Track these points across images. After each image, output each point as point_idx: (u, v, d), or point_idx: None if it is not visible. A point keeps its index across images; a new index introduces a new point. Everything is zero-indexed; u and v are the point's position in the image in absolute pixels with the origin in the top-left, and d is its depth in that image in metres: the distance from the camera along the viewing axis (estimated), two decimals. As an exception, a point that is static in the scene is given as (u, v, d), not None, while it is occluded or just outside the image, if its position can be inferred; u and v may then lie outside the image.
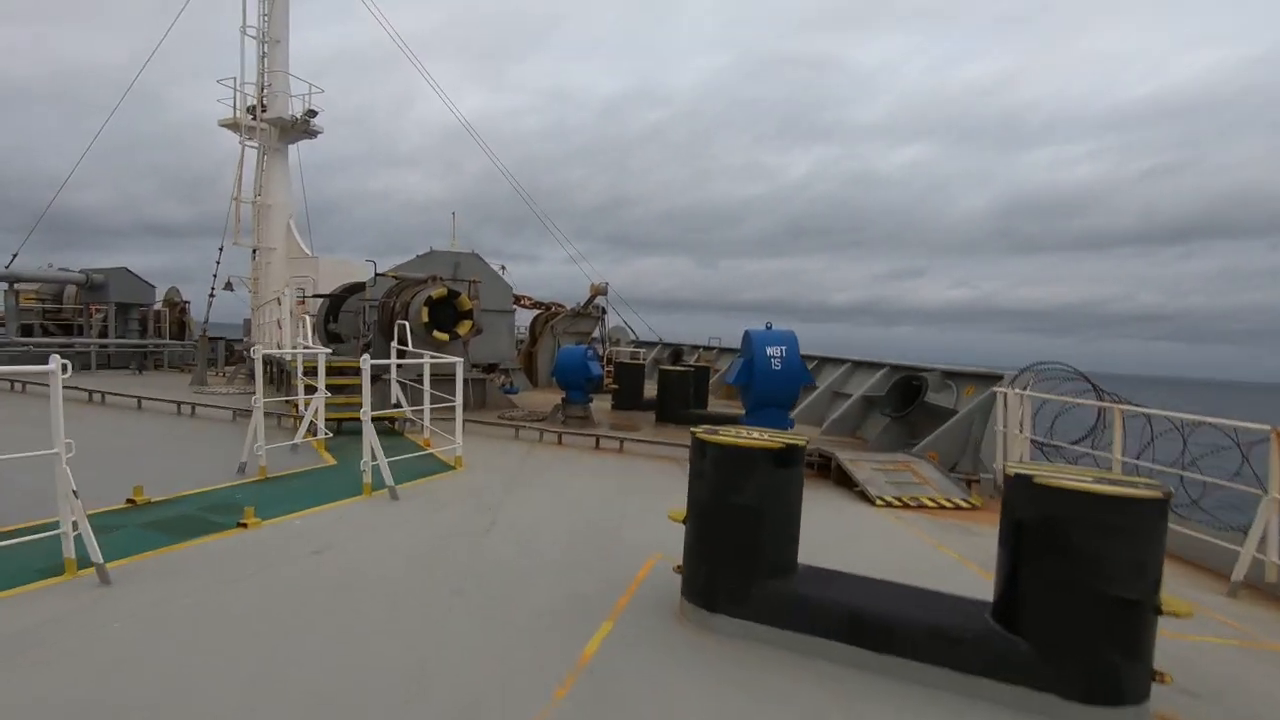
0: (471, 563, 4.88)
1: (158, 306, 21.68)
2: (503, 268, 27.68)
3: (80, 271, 19.58)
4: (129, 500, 5.90)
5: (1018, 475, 3.36)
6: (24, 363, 15.75)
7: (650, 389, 15.55)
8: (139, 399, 11.47)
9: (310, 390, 9.85)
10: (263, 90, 20.87)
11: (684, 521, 4.17)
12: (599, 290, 19.60)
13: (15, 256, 20.15)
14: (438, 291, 12.88)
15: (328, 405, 10.33)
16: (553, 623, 3.99)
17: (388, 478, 6.53)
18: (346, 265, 21.07)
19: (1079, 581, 3.15)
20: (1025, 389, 8.33)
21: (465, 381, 13.80)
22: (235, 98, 20.70)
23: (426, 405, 9.22)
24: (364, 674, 3.28)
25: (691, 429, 4.28)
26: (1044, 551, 3.25)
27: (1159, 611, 3.13)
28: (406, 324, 10.38)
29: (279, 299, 13.62)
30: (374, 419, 9.26)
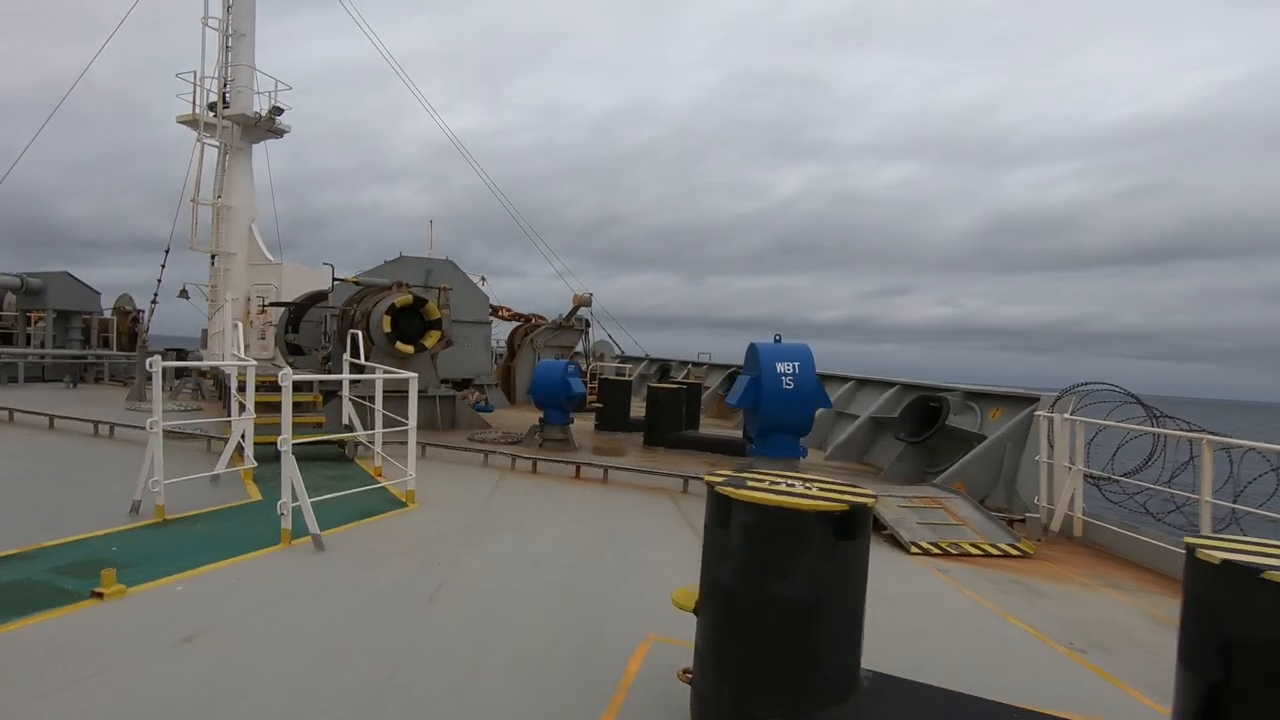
0: (402, 651, 3.59)
1: (107, 314, 20.14)
2: (482, 279, 26.51)
3: (15, 276, 18.01)
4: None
5: (1230, 565, 2.15)
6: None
7: (637, 408, 14.30)
8: (51, 418, 10.01)
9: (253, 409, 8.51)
10: (225, 85, 19.55)
11: (694, 611, 2.93)
12: (582, 301, 18.38)
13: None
14: (402, 299, 11.58)
15: (268, 429, 8.98)
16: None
17: (311, 523, 5.21)
18: (313, 273, 19.68)
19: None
20: (1070, 413, 7.20)
21: (433, 399, 12.49)
22: (195, 92, 19.36)
23: (379, 429, 7.92)
24: None
25: (707, 478, 3.05)
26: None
27: None
28: (359, 334, 9.04)
29: (224, 307, 12.22)
30: (323, 444, 7.94)
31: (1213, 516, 5.57)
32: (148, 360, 6.15)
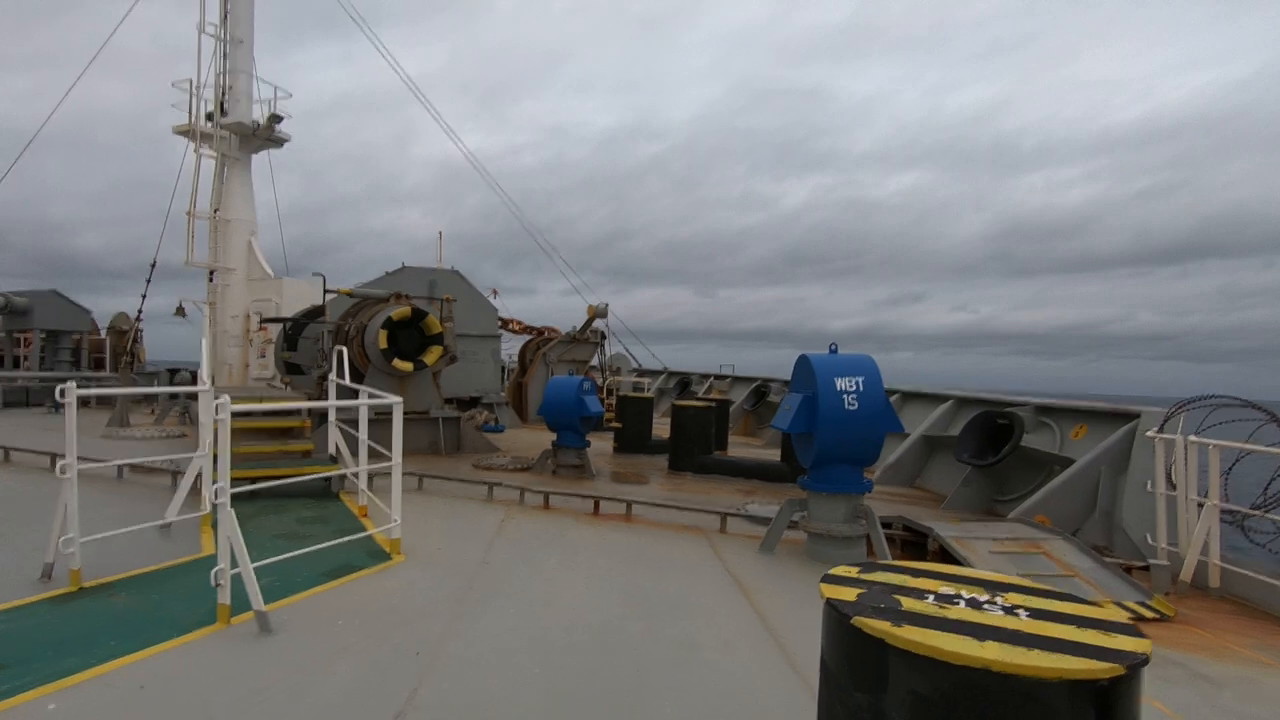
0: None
1: (103, 334, 19.29)
2: (494, 292, 25.50)
3: (0, 295, 17.19)
4: None
5: None
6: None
7: (660, 427, 13.08)
8: (7, 450, 8.97)
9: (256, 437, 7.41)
10: (222, 93, 18.74)
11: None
12: (598, 312, 17.24)
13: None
14: (399, 312, 10.48)
15: (244, 460, 7.88)
16: None
17: (255, 597, 4.03)
18: (313, 288, 18.72)
19: None
20: (1191, 433, 5.89)
21: (436, 422, 11.35)
22: (191, 101, 18.56)
23: (363, 462, 6.77)
24: None
25: (826, 592, 1.83)
26: None
27: None
28: (344, 351, 7.92)
29: (206, 322, 11.17)
30: (298, 479, 6.80)
31: None
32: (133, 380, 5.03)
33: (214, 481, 6.00)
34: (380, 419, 10.62)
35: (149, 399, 15.49)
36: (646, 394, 13.56)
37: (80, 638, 3.81)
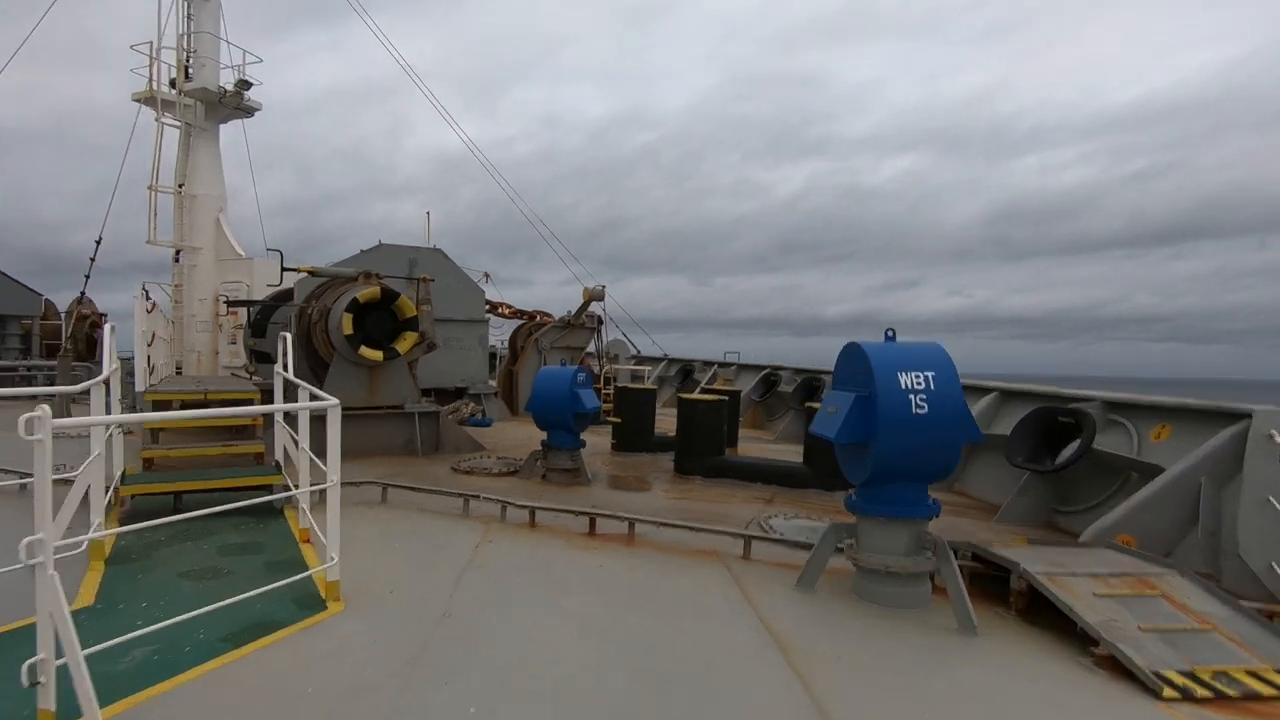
0: None
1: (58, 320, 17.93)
2: (486, 276, 24.12)
3: (-60, 276, 15.79)
4: None
5: None
6: None
7: (662, 420, 11.82)
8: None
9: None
10: (186, 56, 17.26)
11: None
12: (594, 295, 15.93)
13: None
14: (367, 292, 9.17)
15: (170, 467, 6.64)
16: None
17: (87, 705, 2.75)
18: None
19: None
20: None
21: (411, 418, 10.08)
22: (151, 66, 17.08)
23: (304, 476, 5.50)
24: None
25: None
26: None
27: None
28: (288, 337, 6.61)
29: (144, 305, 9.86)
30: (235, 492, 5.51)
31: None
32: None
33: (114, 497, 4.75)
34: (348, 414, 9.35)
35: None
36: (648, 385, 12.28)
37: None
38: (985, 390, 9.56)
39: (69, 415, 10.99)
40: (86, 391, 5.13)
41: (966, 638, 4.25)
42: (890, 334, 4.85)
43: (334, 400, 4.24)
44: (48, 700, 2.76)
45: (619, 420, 10.74)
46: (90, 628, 3.67)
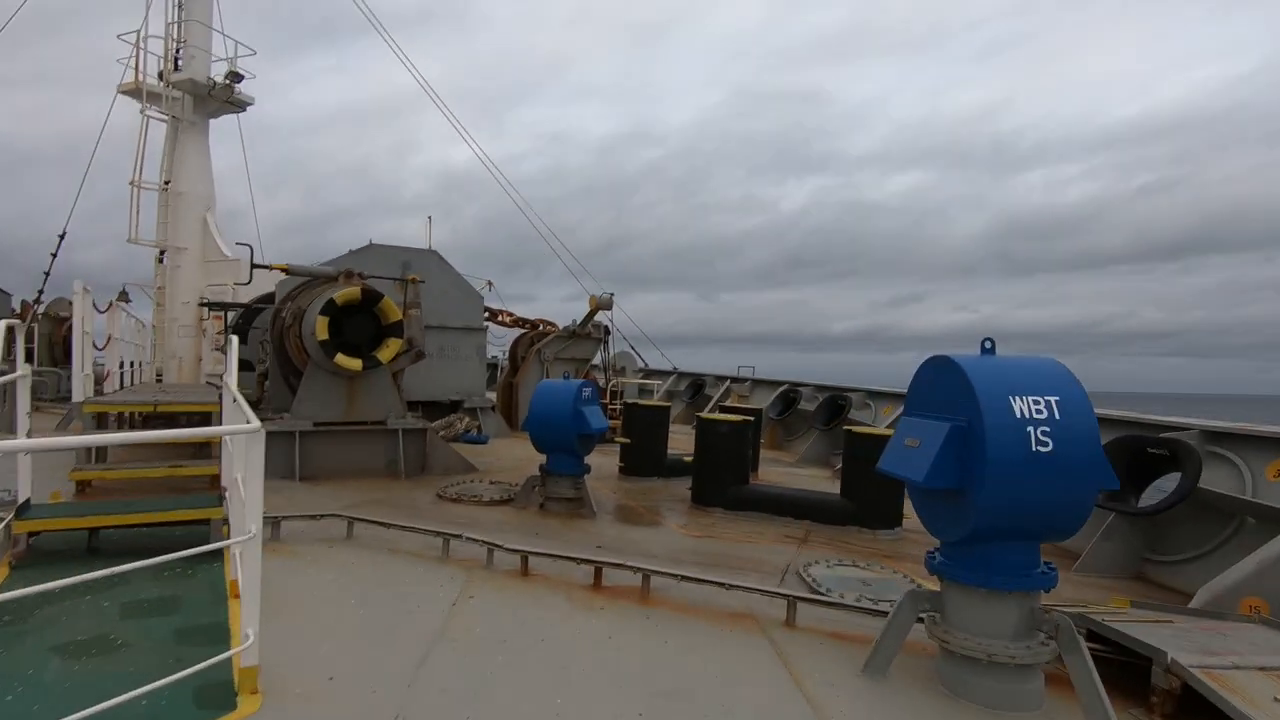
0: None
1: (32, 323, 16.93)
2: (488, 284, 23.05)
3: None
4: None
5: None
6: None
7: (681, 440, 10.70)
8: None
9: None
10: (175, 47, 16.38)
11: None
12: (601, 304, 14.86)
13: None
14: (346, 293, 8.10)
15: (101, 495, 5.56)
16: None
17: None
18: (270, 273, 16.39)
19: None
20: None
21: (394, 435, 8.98)
22: (138, 55, 16.20)
23: (236, 518, 4.40)
24: None
25: None
26: None
27: None
28: (235, 340, 5.52)
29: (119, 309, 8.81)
30: (157, 529, 4.40)
31: None
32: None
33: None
34: (323, 431, 8.20)
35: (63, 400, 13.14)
36: (660, 401, 11.16)
37: None
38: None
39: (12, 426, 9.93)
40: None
41: (1107, 760, 3.11)
42: (988, 345, 3.74)
43: (254, 424, 3.14)
44: None
45: (628, 441, 9.62)
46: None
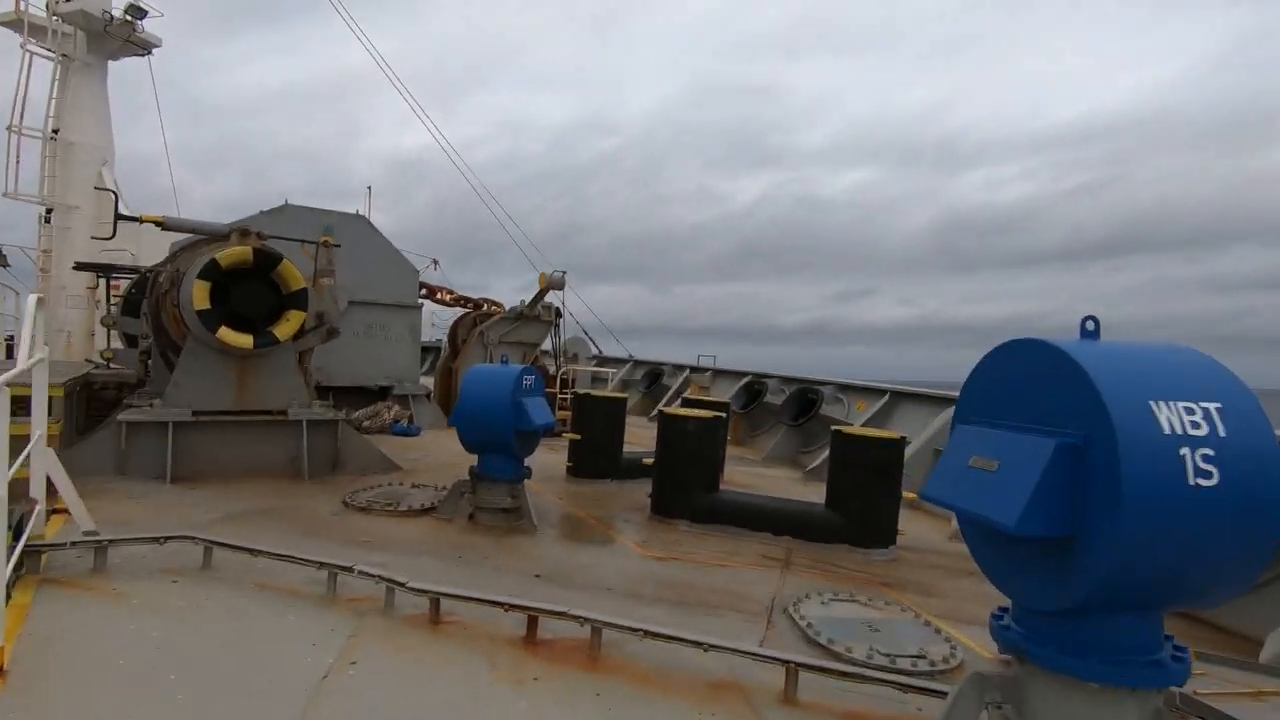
0: None
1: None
2: (434, 264, 21.43)
3: None
4: None
5: None
6: None
7: (638, 434, 9.50)
8: None
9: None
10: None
11: None
12: (551, 283, 13.50)
13: None
14: (232, 253, 6.61)
15: None
16: None
17: None
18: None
19: None
20: None
21: (298, 428, 7.52)
22: (20, -19, 14.03)
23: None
24: None
25: None
26: None
27: None
28: (32, 299, 4.03)
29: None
30: None
31: None
32: None
33: None
34: (207, 422, 6.78)
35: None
36: (616, 393, 9.93)
37: None
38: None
39: None
40: None
41: None
42: (1091, 324, 2.61)
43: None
44: None
45: (579, 436, 8.36)
46: None
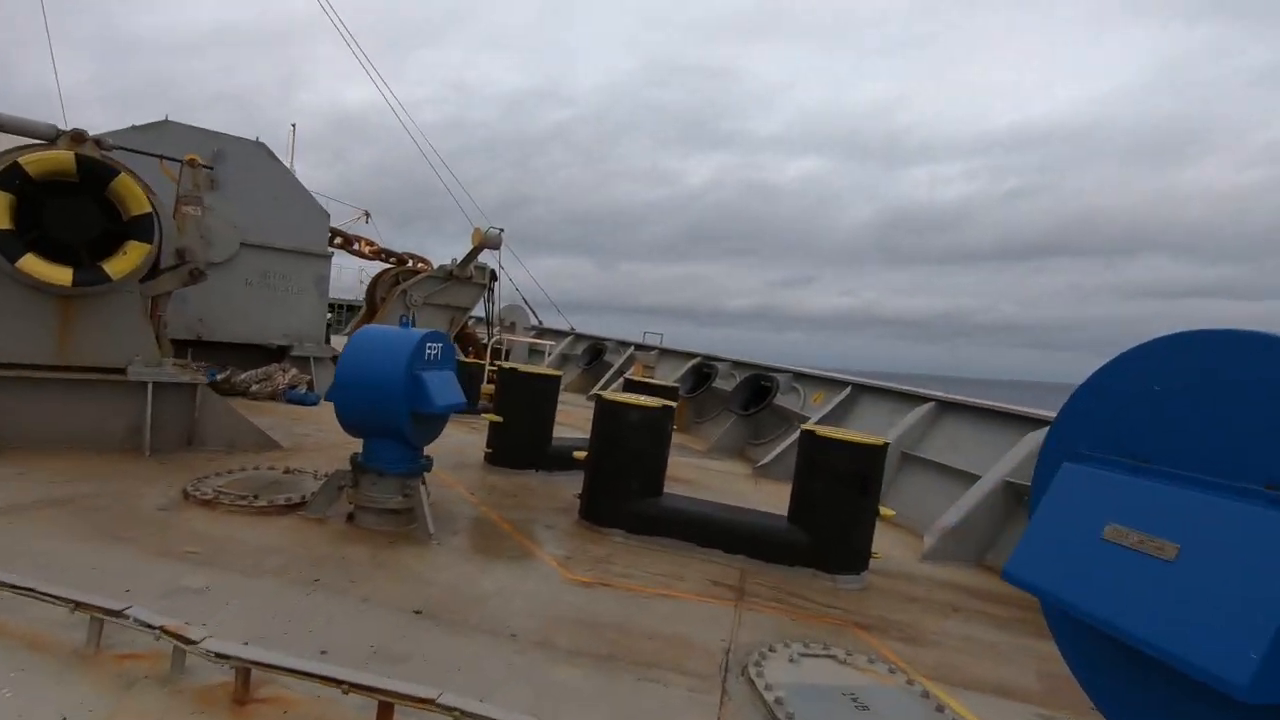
0: None
1: None
2: (364, 215, 19.57)
3: None
4: None
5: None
6: None
7: (573, 414, 8.27)
8: None
9: None
10: None
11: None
12: (486, 240, 12.05)
13: None
14: (46, 159, 5.02)
15: None
16: None
17: None
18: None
19: None
20: None
21: (142, 390, 5.99)
22: None
23: None
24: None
25: None
26: None
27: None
28: None
29: None
30: None
31: None
32: None
33: None
34: (15, 377, 5.29)
35: None
36: (549, 370, 8.66)
37: None
38: (1033, 420, 6.64)
39: None
40: None
41: None
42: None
43: None
44: None
45: (500, 419, 7.09)
46: None
